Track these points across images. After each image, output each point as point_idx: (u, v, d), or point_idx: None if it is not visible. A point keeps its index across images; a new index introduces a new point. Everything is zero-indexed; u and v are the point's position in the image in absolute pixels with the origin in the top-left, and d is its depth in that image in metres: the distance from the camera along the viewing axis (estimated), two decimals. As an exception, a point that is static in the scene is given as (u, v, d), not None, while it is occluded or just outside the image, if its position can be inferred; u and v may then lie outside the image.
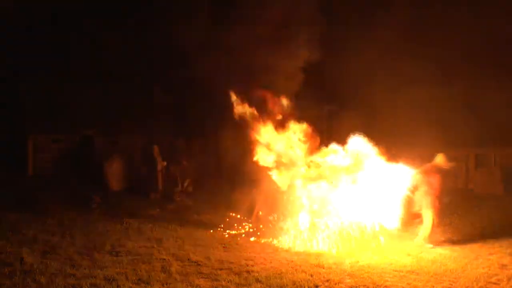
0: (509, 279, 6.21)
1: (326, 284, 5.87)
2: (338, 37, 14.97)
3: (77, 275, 5.99)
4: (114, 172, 15.13)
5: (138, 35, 16.65)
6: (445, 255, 7.38)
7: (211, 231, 9.19)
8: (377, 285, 5.84)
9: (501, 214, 11.27)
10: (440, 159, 8.33)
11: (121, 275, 6.04)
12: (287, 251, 7.74)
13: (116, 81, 17.60)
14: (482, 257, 7.32)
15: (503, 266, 6.82)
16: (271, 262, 6.86)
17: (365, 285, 5.83)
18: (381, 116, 15.82)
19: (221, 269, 6.42)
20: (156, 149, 13.97)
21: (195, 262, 6.79)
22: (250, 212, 10.81)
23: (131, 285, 5.70)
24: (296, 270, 6.42)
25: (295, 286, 5.76)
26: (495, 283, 6.08)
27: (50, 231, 8.59)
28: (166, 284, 5.75)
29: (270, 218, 9.47)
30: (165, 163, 13.68)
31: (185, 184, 13.31)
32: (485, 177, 16.39)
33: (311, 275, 6.16)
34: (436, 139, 12.19)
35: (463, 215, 10.91)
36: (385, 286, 5.85)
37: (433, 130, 12.92)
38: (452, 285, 5.98)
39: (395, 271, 6.46)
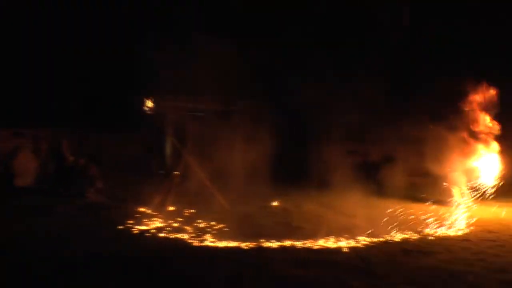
0: None
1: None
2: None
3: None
4: (19, 167, 14.44)
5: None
6: None
7: (120, 227, 9.06)
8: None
9: None
10: None
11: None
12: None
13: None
14: None
15: None
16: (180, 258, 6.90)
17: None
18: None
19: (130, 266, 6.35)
20: (65, 143, 13.43)
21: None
22: (161, 207, 10.81)
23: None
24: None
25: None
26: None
27: None
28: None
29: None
30: (73, 158, 13.20)
31: (95, 180, 12.91)
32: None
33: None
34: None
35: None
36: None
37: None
38: None
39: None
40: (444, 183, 13.34)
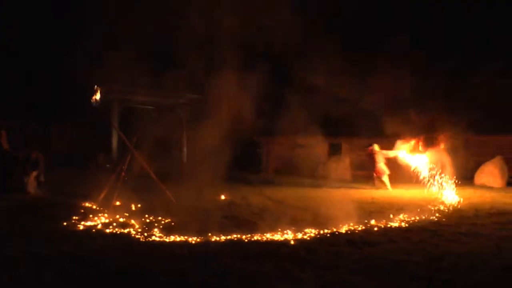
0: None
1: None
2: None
3: None
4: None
5: None
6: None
7: (64, 223, 8.80)
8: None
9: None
10: None
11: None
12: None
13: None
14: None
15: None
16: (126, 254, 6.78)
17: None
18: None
19: (74, 264, 6.17)
20: (3, 134, 12.82)
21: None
22: (108, 202, 10.60)
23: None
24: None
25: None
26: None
27: None
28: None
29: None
30: (9, 150, 12.62)
31: (36, 174, 12.42)
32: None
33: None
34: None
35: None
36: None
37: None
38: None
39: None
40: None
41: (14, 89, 20.29)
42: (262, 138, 22.31)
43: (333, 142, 21.79)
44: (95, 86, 11.66)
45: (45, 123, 19.63)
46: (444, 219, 9.64)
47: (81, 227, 8.54)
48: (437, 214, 10.20)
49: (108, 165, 12.91)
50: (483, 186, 16.35)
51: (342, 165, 19.67)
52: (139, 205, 10.71)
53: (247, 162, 21.18)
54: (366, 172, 17.88)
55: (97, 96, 11.21)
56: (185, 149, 19.37)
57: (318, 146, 18.72)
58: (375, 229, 8.62)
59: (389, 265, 6.14)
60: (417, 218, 9.74)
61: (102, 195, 11.04)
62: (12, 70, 20.06)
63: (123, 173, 11.18)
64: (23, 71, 20.40)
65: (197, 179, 11.83)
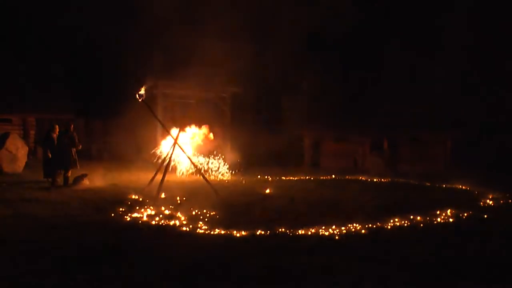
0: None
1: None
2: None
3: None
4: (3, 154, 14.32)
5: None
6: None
7: (112, 214, 8.99)
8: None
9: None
10: None
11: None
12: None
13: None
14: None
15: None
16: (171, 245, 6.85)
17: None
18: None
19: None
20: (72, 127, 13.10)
21: None
22: (152, 194, 10.73)
23: None
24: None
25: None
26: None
27: None
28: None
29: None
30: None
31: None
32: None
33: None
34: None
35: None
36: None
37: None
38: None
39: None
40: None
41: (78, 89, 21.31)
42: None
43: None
44: (141, 82, 11.86)
45: (103, 118, 20.52)
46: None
47: (128, 219, 8.69)
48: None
49: (154, 159, 13.10)
50: None
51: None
52: (184, 198, 10.80)
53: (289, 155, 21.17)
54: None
55: (142, 91, 11.36)
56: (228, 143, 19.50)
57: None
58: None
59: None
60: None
61: (148, 188, 11.24)
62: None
63: (168, 167, 11.30)
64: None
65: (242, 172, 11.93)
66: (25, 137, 20.09)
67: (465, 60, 19.47)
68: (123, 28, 16.80)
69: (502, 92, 19.63)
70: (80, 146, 12.59)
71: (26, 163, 15.25)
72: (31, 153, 18.05)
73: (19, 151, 14.80)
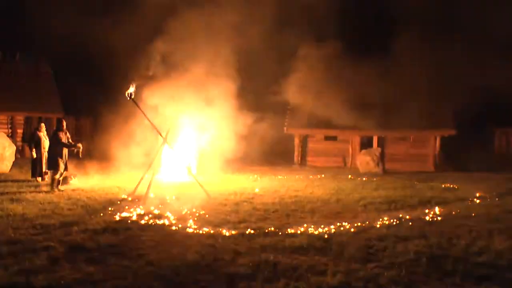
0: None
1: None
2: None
3: None
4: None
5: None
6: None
7: (101, 214, 8.95)
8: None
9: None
10: None
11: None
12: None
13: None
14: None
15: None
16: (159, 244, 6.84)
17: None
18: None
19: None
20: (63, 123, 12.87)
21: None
22: (141, 194, 10.70)
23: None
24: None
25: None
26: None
27: None
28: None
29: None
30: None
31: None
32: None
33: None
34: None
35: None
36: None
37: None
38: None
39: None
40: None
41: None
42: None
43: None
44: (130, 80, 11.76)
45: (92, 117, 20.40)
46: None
47: (117, 218, 8.65)
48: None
49: (143, 158, 13.06)
50: None
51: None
52: (173, 197, 10.79)
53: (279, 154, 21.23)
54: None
55: (131, 89, 11.29)
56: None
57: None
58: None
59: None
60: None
61: (136, 187, 11.20)
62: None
63: (157, 166, 11.27)
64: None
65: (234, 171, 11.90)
66: (12, 135, 19.94)
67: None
68: (114, 24, 16.66)
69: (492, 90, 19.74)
70: (80, 146, 11.96)
71: (14, 162, 15.15)
72: (18, 152, 17.90)
73: (6, 150, 14.68)
